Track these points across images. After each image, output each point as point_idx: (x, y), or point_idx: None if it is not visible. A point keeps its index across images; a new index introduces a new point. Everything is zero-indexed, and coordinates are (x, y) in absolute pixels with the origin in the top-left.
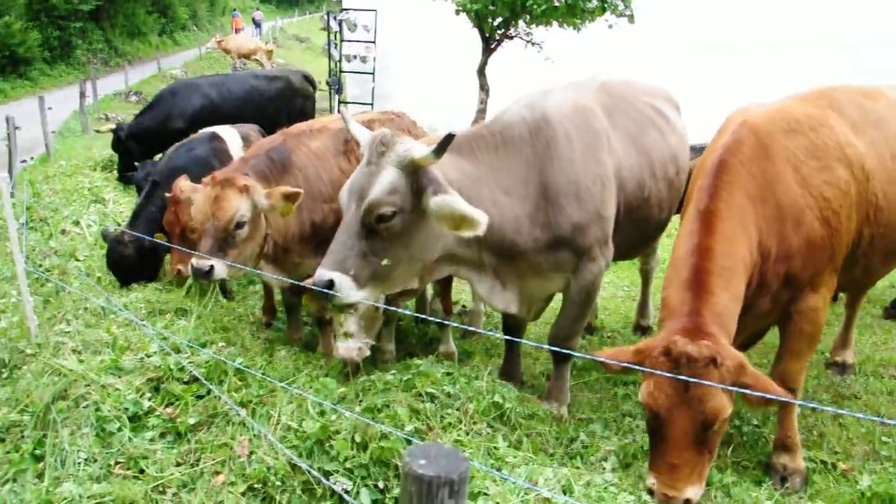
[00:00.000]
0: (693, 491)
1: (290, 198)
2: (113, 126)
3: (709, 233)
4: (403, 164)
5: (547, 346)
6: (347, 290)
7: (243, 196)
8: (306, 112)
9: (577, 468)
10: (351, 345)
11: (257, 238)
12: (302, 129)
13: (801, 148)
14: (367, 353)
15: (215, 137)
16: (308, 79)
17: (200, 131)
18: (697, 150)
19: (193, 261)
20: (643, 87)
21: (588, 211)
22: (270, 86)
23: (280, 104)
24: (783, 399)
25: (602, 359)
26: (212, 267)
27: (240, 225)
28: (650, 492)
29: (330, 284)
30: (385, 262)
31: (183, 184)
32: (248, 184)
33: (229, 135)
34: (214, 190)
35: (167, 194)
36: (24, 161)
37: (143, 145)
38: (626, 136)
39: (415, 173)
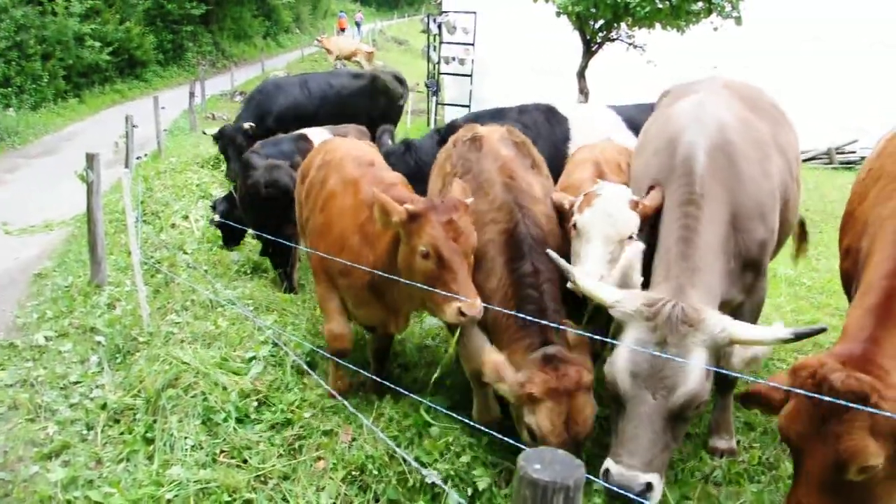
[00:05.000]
0: None
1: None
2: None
3: None
4: (718, 346)
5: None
6: (659, 489)
7: None
8: (391, 112)
9: (676, 482)
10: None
11: None
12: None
13: None
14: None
15: (301, 138)
16: (398, 79)
17: (293, 132)
18: None
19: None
20: (758, 87)
21: (768, 227)
22: (351, 84)
23: (360, 103)
24: None
25: (766, 383)
26: None
27: None
28: None
29: (648, 488)
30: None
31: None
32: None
33: (319, 135)
34: None
35: None
36: (138, 157)
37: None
38: (770, 139)
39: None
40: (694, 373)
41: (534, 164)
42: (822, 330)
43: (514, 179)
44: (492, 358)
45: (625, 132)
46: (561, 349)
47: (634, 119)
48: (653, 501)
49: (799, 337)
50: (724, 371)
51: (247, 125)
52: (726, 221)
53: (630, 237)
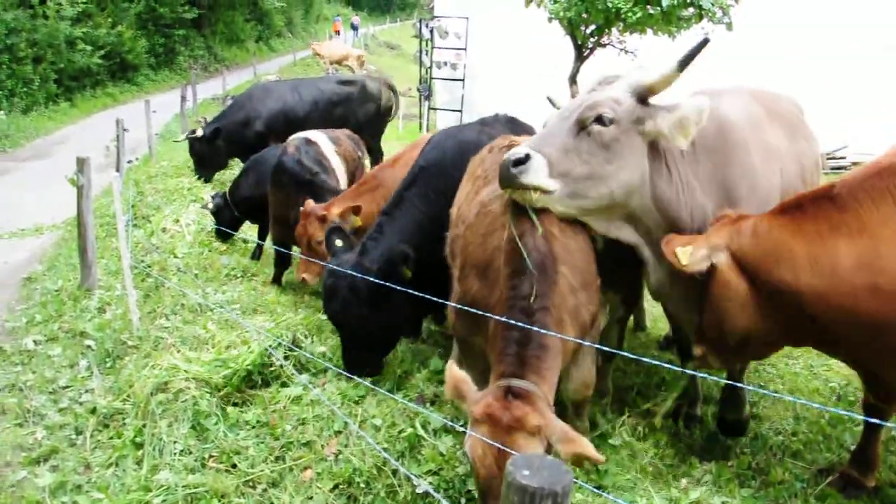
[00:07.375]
0: None
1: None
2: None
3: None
4: (634, 90)
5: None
6: (538, 168)
7: None
8: (379, 119)
9: (673, 486)
10: None
11: None
12: None
13: None
14: None
15: (307, 142)
16: (389, 86)
17: (293, 136)
18: None
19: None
20: (781, 95)
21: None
22: (339, 90)
23: (348, 108)
24: None
25: None
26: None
27: None
28: None
29: (525, 159)
30: (581, 168)
31: (310, 202)
32: None
33: (318, 138)
34: None
35: None
36: (129, 161)
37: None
38: (784, 144)
39: (642, 101)
40: (605, 94)
41: None
42: (706, 42)
43: None
44: (453, 373)
45: None
46: (528, 387)
47: None
48: (528, 177)
49: (685, 61)
50: None
51: (199, 133)
52: (717, 182)
53: None
